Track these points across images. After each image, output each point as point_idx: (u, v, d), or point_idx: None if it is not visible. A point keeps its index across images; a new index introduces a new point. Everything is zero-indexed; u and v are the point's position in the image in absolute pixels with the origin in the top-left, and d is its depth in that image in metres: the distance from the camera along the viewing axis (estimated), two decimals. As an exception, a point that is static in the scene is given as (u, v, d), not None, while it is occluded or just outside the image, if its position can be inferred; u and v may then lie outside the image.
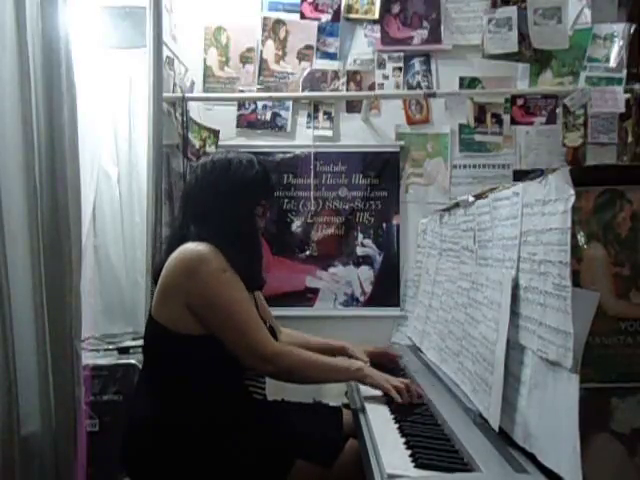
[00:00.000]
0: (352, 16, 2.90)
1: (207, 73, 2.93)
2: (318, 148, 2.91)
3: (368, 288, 2.90)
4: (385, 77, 2.91)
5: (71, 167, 1.85)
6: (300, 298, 2.90)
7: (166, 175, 2.60)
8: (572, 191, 1.00)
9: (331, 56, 2.91)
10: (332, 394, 2.16)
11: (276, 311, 1.99)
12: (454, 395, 1.59)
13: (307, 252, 2.91)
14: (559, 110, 2.75)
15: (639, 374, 0.99)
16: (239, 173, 1.66)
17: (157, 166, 2.30)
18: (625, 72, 2.68)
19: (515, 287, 1.27)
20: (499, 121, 2.85)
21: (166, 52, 2.55)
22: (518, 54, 2.78)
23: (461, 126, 2.89)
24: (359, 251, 2.91)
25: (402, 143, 2.91)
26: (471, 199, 1.68)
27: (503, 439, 1.22)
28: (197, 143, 2.81)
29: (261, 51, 2.92)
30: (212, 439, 1.53)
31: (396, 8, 2.90)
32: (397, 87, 2.90)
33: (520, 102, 2.78)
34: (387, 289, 2.90)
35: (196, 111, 2.87)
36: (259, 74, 2.92)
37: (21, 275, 1.72)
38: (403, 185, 2.91)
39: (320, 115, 2.92)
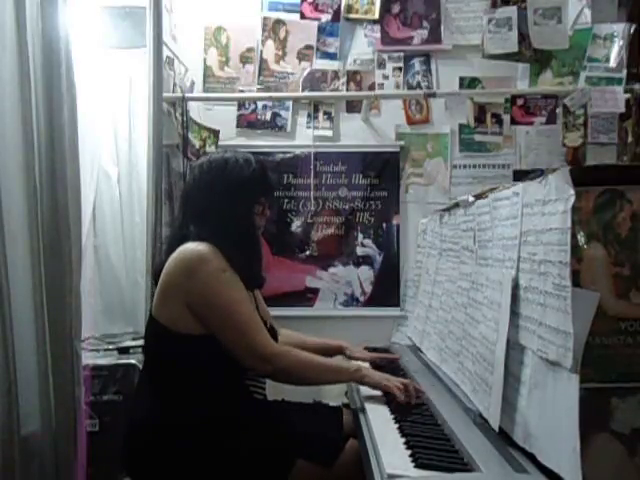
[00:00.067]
0: (352, 16, 2.90)
1: (207, 73, 2.93)
2: (318, 148, 2.91)
3: (368, 288, 2.90)
4: (385, 77, 2.91)
5: (71, 167, 1.85)
6: (300, 298, 2.90)
7: (166, 175, 2.60)
8: (572, 191, 1.00)
9: (331, 56, 2.91)
10: (332, 394, 2.16)
11: (276, 311, 1.99)
12: (454, 395, 1.59)
13: (307, 252, 2.90)
14: (559, 110, 2.76)
15: (639, 374, 0.99)
16: (235, 172, 1.66)
17: (157, 166, 2.30)
18: (625, 72, 2.68)
19: (515, 287, 1.27)
20: (499, 121, 2.85)
21: (166, 52, 2.55)
22: (518, 54, 2.78)
23: (461, 126, 2.89)
24: (359, 251, 2.91)
25: (402, 143, 2.91)
26: (471, 199, 1.68)
27: (503, 439, 1.22)
28: (197, 143, 2.81)
29: (261, 51, 2.92)
30: (212, 439, 1.53)
31: (396, 8, 2.90)
32: (397, 87, 2.91)
33: (520, 102, 2.78)
34: (387, 289, 2.90)
35: (196, 111, 2.87)
36: (259, 74, 2.92)
37: (21, 275, 1.72)
38: (403, 185, 2.91)
39: (320, 115, 2.92)
